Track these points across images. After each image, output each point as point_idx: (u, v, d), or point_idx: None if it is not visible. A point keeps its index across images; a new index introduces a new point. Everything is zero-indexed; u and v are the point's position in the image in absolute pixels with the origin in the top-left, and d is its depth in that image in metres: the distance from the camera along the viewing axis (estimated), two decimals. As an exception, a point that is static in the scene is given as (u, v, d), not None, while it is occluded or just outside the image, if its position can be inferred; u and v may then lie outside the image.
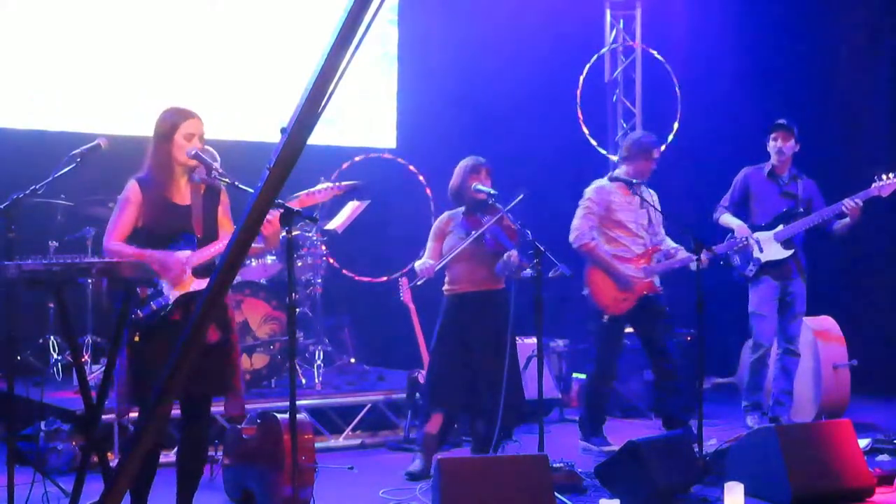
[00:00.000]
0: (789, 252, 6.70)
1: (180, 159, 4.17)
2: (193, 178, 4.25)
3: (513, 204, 5.45)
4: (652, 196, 6.26)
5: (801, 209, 6.75)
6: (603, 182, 6.28)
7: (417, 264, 5.61)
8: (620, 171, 6.32)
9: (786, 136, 6.76)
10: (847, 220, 6.55)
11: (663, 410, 6.30)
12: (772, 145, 6.82)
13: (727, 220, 6.88)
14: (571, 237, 6.14)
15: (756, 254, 6.70)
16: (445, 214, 5.77)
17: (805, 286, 6.86)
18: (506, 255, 5.42)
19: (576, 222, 6.16)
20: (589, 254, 6.13)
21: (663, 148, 8.57)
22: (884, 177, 6.40)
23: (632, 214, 6.22)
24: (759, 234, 6.71)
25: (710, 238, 6.42)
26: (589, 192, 6.22)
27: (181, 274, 4.11)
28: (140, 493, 4.18)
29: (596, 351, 6.29)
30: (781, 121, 6.81)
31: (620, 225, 6.19)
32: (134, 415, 4.28)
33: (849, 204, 6.44)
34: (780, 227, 6.72)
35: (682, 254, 6.25)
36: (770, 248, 6.70)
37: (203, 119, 4.24)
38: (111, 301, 4.08)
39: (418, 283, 5.61)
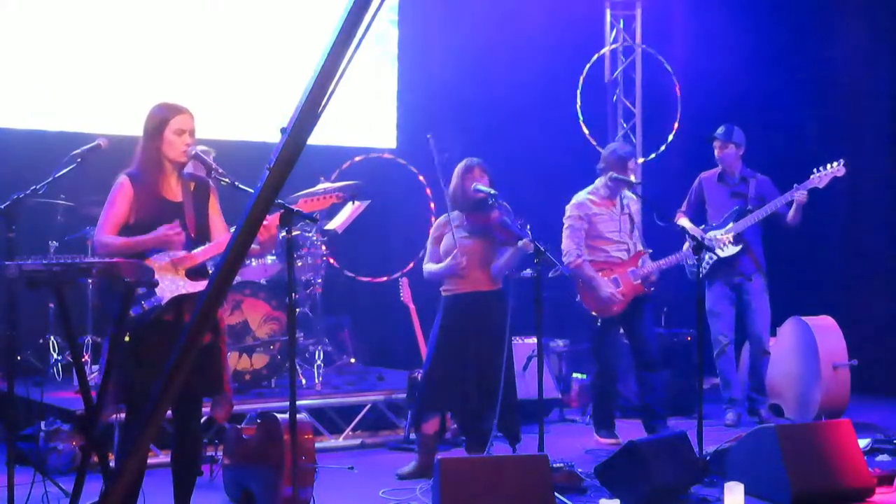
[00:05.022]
0: (737, 248, 6.87)
1: (170, 156, 4.08)
2: (184, 174, 4.19)
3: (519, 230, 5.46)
4: (635, 203, 6.51)
5: (751, 207, 6.95)
6: (581, 196, 6.41)
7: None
8: (601, 181, 6.38)
9: (722, 146, 7.09)
10: (791, 211, 6.75)
11: (641, 402, 6.46)
12: (715, 154, 7.13)
13: (682, 223, 7.11)
14: (564, 259, 6.26)
15: (711, 253, 6.82)
16: (443, 217, 5.74)
17: (764, 281, 7.06)
18: (520, 243, 5.32)
19: (564, 244, 6.33)
20: (575, 270, 6.29)
21: (663, 148, 8.61)
22: (820, 169, 6.68)
23: (614, 224, 6.36)
24: (711, 234, 6.93)
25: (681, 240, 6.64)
26: (569, 208, 6.39)
27: (180, 238, 4.02)
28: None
29: (594, 353, 6.50)
30: (718, 131, 7.10)
31: (602, 236, 6.34)
32: (120, 414, 4.23)
33: (794, 195, 6.70)
34: (731, 225, 6.93)
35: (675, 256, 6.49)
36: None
37: (194, 115, 4.14)
38: (101, 300, 4.05)
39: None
